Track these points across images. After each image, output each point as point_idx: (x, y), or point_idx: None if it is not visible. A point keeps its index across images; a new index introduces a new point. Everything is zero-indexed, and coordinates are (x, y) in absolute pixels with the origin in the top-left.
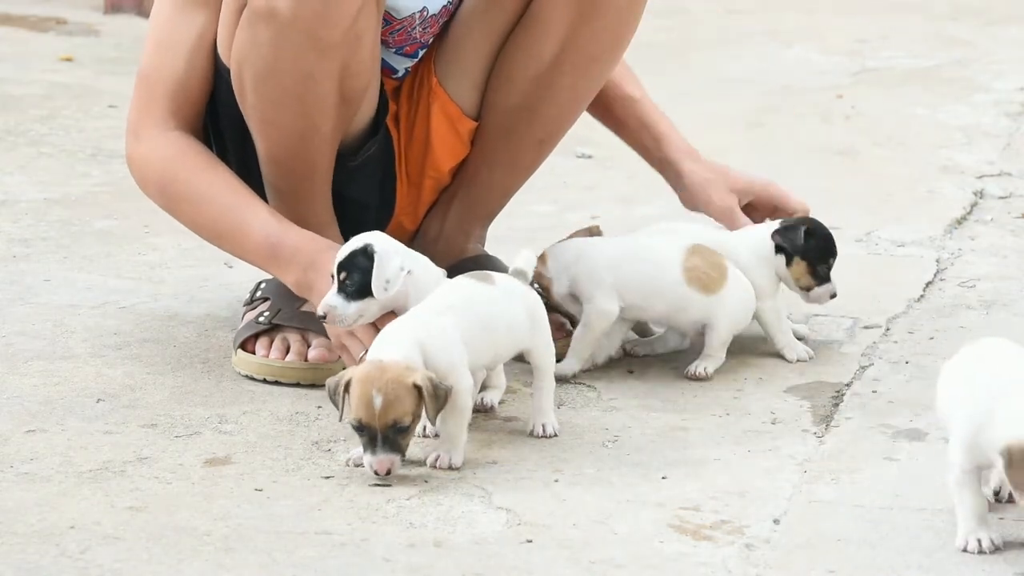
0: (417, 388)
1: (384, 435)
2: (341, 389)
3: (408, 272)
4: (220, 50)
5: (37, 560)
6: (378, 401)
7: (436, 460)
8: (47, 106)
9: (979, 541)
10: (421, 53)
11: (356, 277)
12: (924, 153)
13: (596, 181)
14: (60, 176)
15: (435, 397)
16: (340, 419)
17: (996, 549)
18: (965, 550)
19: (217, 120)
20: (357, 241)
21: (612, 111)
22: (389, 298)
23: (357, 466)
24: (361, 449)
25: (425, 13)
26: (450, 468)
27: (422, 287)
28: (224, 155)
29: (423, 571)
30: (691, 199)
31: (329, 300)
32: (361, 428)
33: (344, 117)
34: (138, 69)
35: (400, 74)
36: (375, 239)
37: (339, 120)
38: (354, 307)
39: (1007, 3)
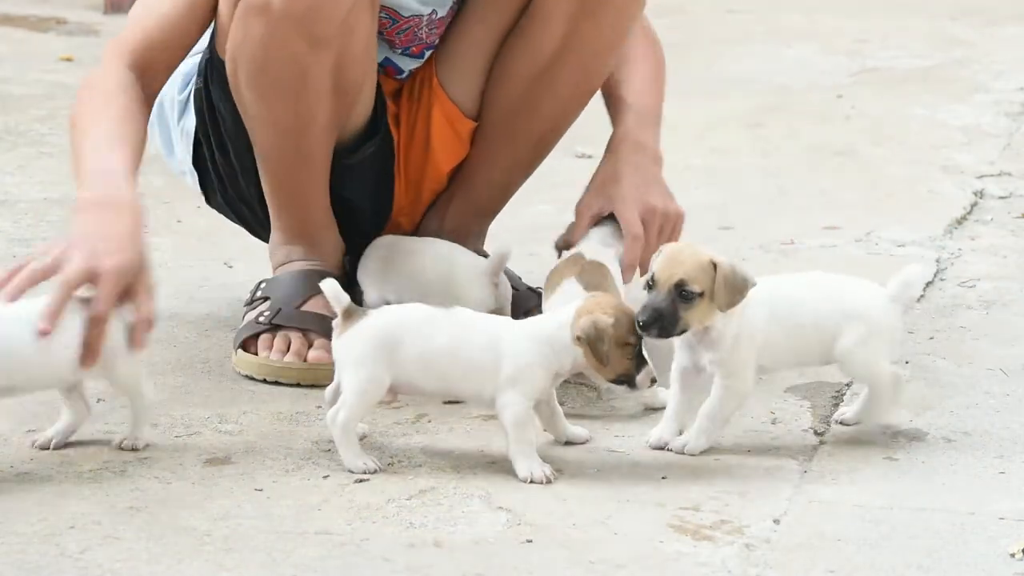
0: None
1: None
2: (609, 330)
3: None
4: (217, 46)
5: (37, 560)
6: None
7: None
8: (47, 106)
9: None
10: (428, 54)
11: None
12: (924, 153)
13: None
14: (60, 176)
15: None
16: (604, 362)
17: None
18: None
19: (219, 127)
20: None
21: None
22: None
23: None
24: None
25: (434, 16)
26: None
27: None
28: (227, 160)
29: (423, 571)
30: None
31: None
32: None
33: (340, 109)
34: (129, 12)
35: (404, 75)
36: None
37: (335, 113)
38: None
39: (1007, 3)
